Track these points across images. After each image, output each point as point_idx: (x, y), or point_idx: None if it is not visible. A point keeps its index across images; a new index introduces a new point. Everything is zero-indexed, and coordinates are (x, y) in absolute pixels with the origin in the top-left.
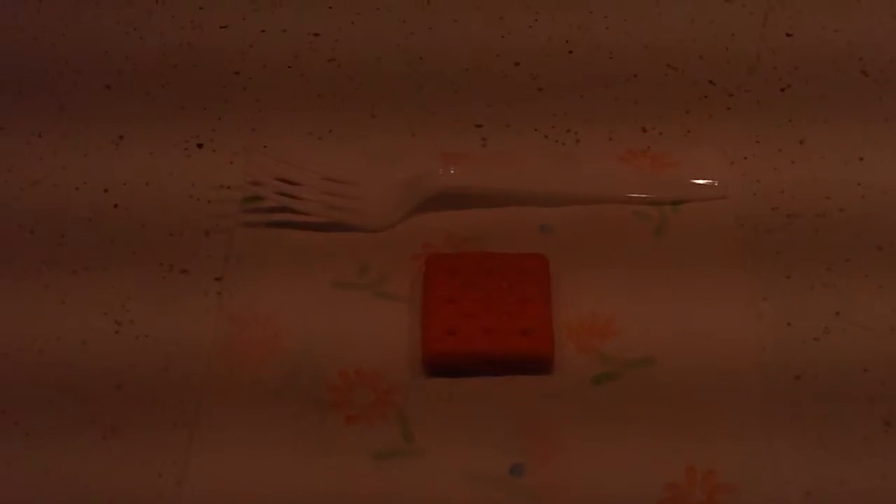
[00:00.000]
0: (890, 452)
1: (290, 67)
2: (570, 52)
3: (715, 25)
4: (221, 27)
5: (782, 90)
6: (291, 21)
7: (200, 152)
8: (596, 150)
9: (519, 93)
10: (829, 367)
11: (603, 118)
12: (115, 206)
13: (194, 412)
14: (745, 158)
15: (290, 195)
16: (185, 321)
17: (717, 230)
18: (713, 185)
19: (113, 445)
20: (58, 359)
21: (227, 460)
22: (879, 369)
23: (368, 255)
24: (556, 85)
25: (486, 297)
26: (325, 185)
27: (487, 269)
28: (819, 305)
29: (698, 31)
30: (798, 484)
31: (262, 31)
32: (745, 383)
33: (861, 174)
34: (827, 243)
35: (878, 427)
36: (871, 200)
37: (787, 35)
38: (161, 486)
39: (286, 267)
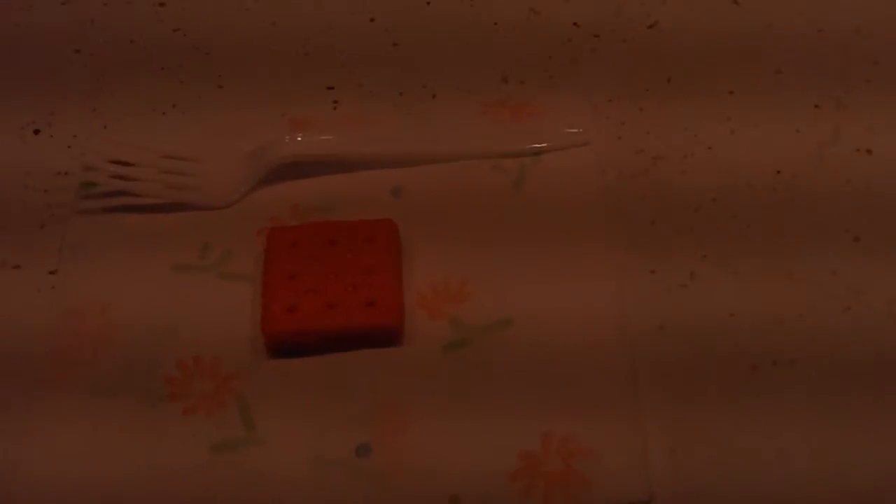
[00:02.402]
0: (756, 399)
1: (132, 42)
2: (428, 2)
3: None
4: (62, 3)
5: (650, 27)
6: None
7: (37, 139)
8: (453, 104)
9: (373, 50)
10: (694, 315)
11: (461, 71)
12: None
13: (23, 414)
14: (610, 101)
15: (125, 178)
16: (17, 320)
17: (579, 179)
18: (576, 132)
19: None
20: None
21: (59, 461)
22: (747, 314)
23: (211, 234)
24: (412, 39)
25: (329, 269)
26: (164, 163)
27: (331, 239)
28: (685, 250)
29: None
30: (662, 441)
31: (105, 3)
32: (608, 339)
33: (730, 109)
34: (694, 184)
35: (745, 373)
36: (741, 135)
37: None
38: None
39: (124, 254)
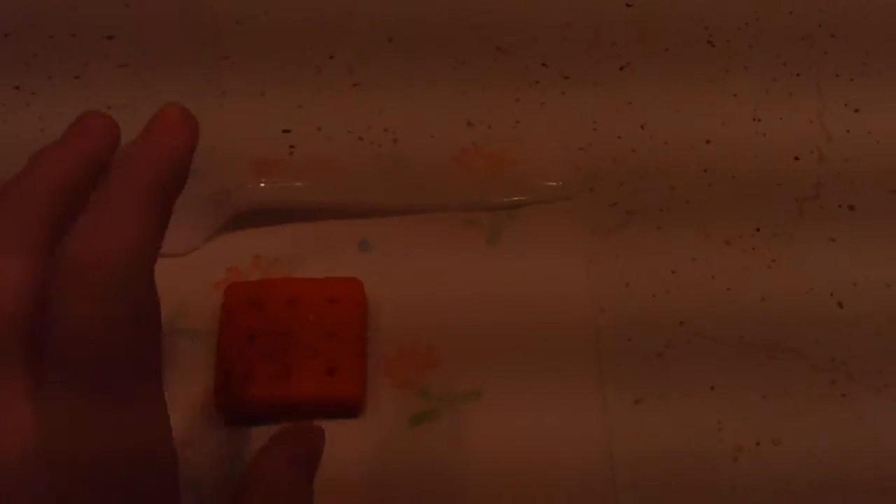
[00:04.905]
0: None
1: (77, 77)
2: (390, 39)
3: None
4: (5, 35)
5: (621, 68)
6: (82, 26)
7: None
8: (422, 151)
9: (331, 89)
10: (670, 386)
11: (423, 113)
12: None
13: None
14: (581, 149)
15: None
16: None
17: (555, 236)
18: (555, 186)
19: None
20: None
21: None
22: (726, 387)
23: (164, 284)
24: (372, 78)
25: (289, 331)
26: None
27: (292, 298)
28: (662, 316)
29: (531, 7)
30: None
31: (50, 36)
32: (586, 411)
33: (708, 159)
34: (671, 242)
35: None
36: (720, 188)
37: (627, 5)
38: None
39: None
